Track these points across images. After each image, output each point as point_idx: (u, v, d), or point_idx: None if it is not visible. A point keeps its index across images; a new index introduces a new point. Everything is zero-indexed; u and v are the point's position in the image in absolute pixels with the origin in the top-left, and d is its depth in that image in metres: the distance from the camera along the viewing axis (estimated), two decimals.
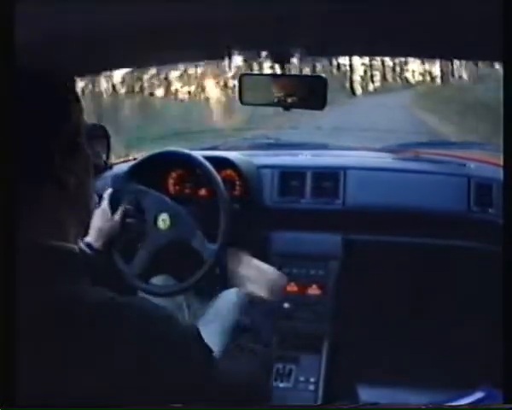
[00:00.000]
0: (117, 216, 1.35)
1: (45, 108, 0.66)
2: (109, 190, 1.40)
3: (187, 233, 1.34)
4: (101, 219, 1.34)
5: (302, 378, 1.48)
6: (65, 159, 0.66)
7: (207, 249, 1.31)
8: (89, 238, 1.30)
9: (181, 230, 1.35)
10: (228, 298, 1.43)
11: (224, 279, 1.46)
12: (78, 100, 0.72)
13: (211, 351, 0.76)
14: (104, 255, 1.31)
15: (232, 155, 1.66)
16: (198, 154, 1.47)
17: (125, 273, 1.36)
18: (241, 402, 0.77)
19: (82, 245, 1.24)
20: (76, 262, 0.69)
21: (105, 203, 1.37)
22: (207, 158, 1.43)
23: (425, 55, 0.96)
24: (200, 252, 1.31)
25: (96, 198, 1.58)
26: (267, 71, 1.11)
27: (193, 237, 1.33)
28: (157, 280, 1.45)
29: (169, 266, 1.40)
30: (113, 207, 1.37)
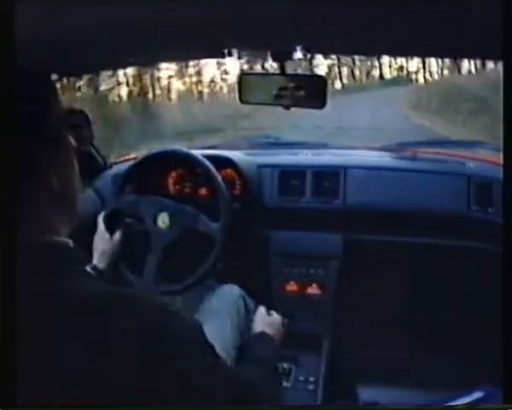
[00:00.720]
0: (116, 234, 1.36)
1: (38, 105, 0.66)
2: (102, 213, 1.41)
3: (190, 221, 1.35)
4: (101, 241, 1.34)
5: (302, 378, 1.48)
6: (47, 153, 0.66)
7: (214, 228, 1.33)
8: (94, 261, 1.31)
9: (183, 221, 1.36)
10: (227, 293, 1.42)
11: (225, 274, 1.46)
12: (57, 95, 0.72)
13: (213, 349, 0.76)
14: (111, 274, 1.32)
15: (232, 154, 1.66)
16: (198, 153, 1.47)
17: (137, 284, 1.36)
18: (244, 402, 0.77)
19: (88, 269, 1.25)
20: (70, 256, 0.69)
21: (101, 226, 1.37)
22: (207, 157, 1.43)
23: (425, 54, 0.95)
24: (207, 232, 1.33)
25: (98, 200, 1.58)
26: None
27: (197, 221, 1.34)
28: (169, 279, 1.46)
29: (178, 262, 1.40)
30: (110, 226, 1.37)
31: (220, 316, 1.33)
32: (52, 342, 0.61)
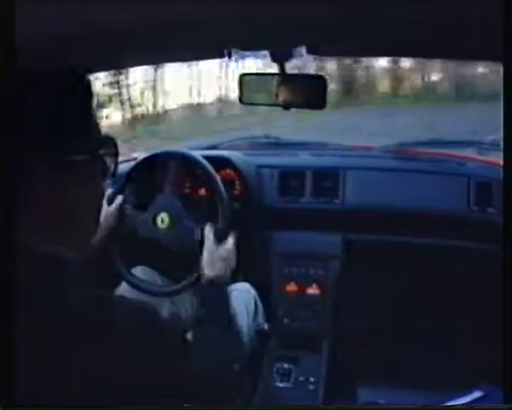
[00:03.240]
0: (115, 215, 1.35)
1: (49, 107, 0.66)
2: (108, 191, 1.40)
3: (187, 230, 1.34)
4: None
5: (302, 378, 1.48)
6: (73, 165, 0.67)
7: (210, 238, 1.31)
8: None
9: (181, 228, 1.35)
10: (239, 292, 1.42)
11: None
12: (87, 100, 0.72)
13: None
14: (103, 255, 1.31)
15: (231, 154, 1.66)
16: (197, 153, 1.47)
17: (124, 274, 1.36)
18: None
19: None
20: (73, 268, 0.70)
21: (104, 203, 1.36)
22: (207, 158, 1.43)
23: (424, 55, 0.96)
24: (203, 240, 1.31)
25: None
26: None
27: (194, 231, 1.33)
28: (156, 280, 1.45)
29: (169, 265, 1.40)
30: (112, 207, 1.36)
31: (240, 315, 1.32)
32: (52, 342, 0.61)
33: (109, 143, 0.77)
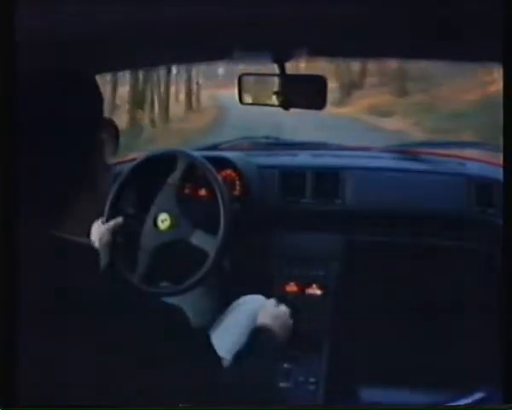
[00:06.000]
0: (116, 218, 1.35)
1: (56, 105, 0.66)
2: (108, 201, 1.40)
3: (186, 232, 1.34)
4: (98, 227, 1.33)
5: (302, 378, 1.48)
6: (80, 155, 0.69)
7: (208, 243, 1.30)
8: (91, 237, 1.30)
9: (180, 229, 1.35)
10: (248, 304, 1.41)
11: (228, 279, 1.46)
12: (94, 97, 0.73)
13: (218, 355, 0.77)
14: (104, 257, 1.31)
15: (232, 155, 1.66)
16: (198, 154, 1.47)
17: (129, 280, 1.36)
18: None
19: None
20: (86, 256, 0.70)
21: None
22: (207, 158, 1.43)
23: (424, 56, 0.96)
24: (201, 247, 1.31)
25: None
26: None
27: (192, 235, 1.33)
28: (159, 281, 1.45)
29: (172, 266, 1.40)
30: (111, 209, 1.36)
31: (237, 326, 1.32)
32: (53, 342, 0.61)
33: (110, 125, 0.78)
